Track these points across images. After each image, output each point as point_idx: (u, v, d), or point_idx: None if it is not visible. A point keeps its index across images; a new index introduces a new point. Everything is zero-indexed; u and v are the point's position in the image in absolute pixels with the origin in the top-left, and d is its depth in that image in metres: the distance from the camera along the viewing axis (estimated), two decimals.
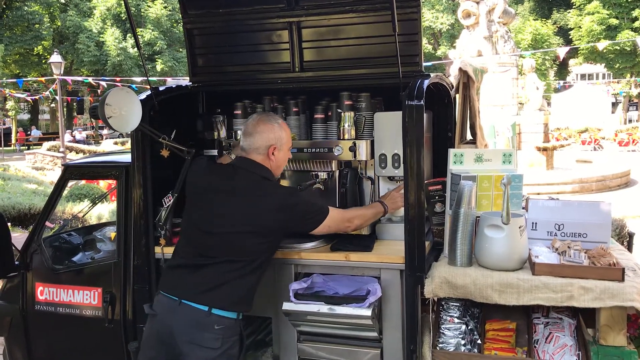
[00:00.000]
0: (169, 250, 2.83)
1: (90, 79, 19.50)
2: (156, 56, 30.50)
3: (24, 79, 23.03)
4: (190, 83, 3.21)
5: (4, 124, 46.36)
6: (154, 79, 19.33)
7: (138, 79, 19.32)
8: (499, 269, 2.39)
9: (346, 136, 2.86)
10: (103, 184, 8.24)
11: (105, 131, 42.59)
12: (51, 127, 43.41)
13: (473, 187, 2.43)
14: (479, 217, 2.47)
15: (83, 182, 7.06)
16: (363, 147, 2.82)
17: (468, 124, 3.31)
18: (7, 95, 28.23)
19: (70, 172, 3.19)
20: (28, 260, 3.22)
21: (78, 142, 28.09)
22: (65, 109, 36.85)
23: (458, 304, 2.52)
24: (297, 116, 3.12)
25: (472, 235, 2.47)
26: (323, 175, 2.96)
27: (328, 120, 3.00)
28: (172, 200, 2.84)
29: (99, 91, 28.93)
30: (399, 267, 2.53)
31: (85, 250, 3.38)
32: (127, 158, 3.09)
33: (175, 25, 32.27)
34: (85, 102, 37.54)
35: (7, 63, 28.19)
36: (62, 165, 3.27)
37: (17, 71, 30.09)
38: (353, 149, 2.80)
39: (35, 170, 17.74)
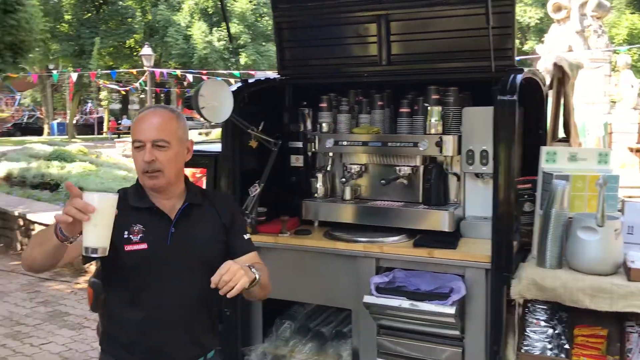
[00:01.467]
0: (254, 238, 2.90)
1: (177, 72, 20.21)
2: (240, 50, 31.21)
3: (117, 71, 24.21)
4: (278, 76, 3.27)
5: (97, 113, 48.93)
6: (237, 72, 19.77)
7: (222, 72, 19.83)
8: (591, 272, 2.29)
9: (432, 131, 2.82)
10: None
11: (192, 122, 44.12)
12: None
13: (566, 187, 2.34)
14: (571, 218, 2.38)
15: None
16: (450, 142, 2.77)
17: (561, 121, 3.18)
18: (101, 85, 29.79)
19: None
20: None
21: None
22: (153, 100, 38.56)
23: (545, 307, 2.43)
24: (382, 110, 3.11)
25: (562, 237, 2.37)
26: (407, 170, 2.94)
27: (414, 115, 2.98)
28: (258, 190, 2.90)
29: (185, 83, 30.01)
30: (484, 266, 2.47)
31: None
32: (216, 148, 3.19)
33: (259, 19, 32.90)
34: (172, 93, 38.99)
35: (102, 55, 29.75)
36: None
37: (111, 63, 31.67)
38: (440, 144, 2.76)
39: (125, 157, 18.58)
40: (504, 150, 2.38)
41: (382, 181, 2.89)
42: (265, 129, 2.95)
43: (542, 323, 2.41)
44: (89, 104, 47.54)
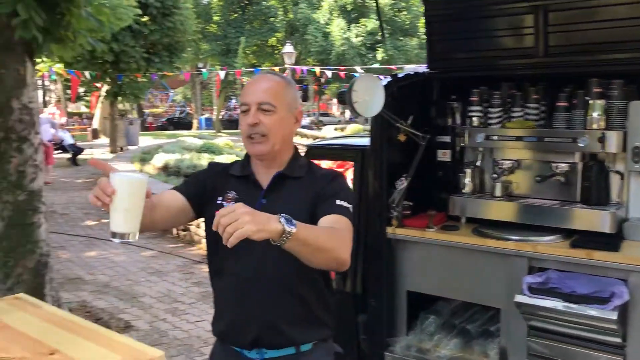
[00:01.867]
0: (400, 232, 2.94)
1: (317, 69, 20.75)
2: (377, 45, 31.34)
3: (260, 68, 25.38)
4: (427, 70, 3.26)
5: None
6: (375, 66, 19.94)
7: (359, 68, 20.05)
8: None
9: (594, 126, 2.67)
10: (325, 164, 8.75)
11: (327, 117, 45.09)
12: None
13: None
14: None
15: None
16: (614, 138, 2.61)
17: None
18: (245, 83, 31.31)
19: (313, 152, 3.46)
20: None
21: (302, 127, 30.10)
22: None
23: None
24: (537, 104, 2.99)
25: None
26: (564, 166, 2.80)
27: (572, 109, 2.83)
28: (405, 184, 2.92)
29: (322, 80, 30.73)
30: None
31: None
32: (361, 142, 3.26)
33: (397, 13, 32.78)
34: (309, 90, 40.07)
35: (246, 54, 31.33)
36: (306, 146, 3.55)
37: (254, 61, 33.22)
38: (602, 140, 2.60)
39: None
40: None
41: (537, 178, 2.78)
42: (413, 123, 2.97)
43: None
44: (233, 101, 50.17)
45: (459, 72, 3.22)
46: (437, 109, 3.27)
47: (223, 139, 19.54)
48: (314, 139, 25.43)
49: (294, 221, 1.48)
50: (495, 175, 2.99)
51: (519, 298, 2.49)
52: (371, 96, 2.62)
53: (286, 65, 19.42)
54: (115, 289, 5.83)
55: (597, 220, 2.64)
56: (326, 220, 1.69)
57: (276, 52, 32.08)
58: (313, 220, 1.70)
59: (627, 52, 2.67)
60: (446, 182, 3.23)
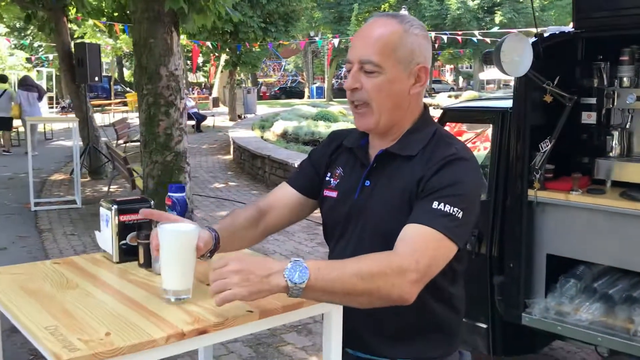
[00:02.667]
0: (541, 194, 2.92)
1: (432, 34, 20.31)
2: (495, 8, 30.08)
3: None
4: (573, 29, 3.16)
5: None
6: (495, 29, 19.18)
7: (477, 33, 19.40)
8: None
9: None
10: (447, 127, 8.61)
11: (439, 85, 44.10)
12: None
13: None
14: None
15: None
16: None
17: None
18: None
19: (449, 115, 3.48)
20: None
21: None
22: None
23: None
24: None
25: None
26: None
27: None
28: (549, 146, 2.89)
29: (435, 45, 30.04)
30: None
31: None
32: (500, 104, 3.24)
33: None
34: None
35: (359, 21, 31.28)
36: (442, 108, 3.58)
37: None
38: None
39: None
40: None
41: None
42: (558, 84, 2.91)
43: None
44: (344, 69, 50.13)
45: (606, 31, 3.09)
46: (582, 70, 3.16)
47: (337, 107, 19.76)
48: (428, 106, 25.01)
49: (308, 268, 1.18)
50: None
51: None
52: (519, 56, 2.61)
53: None
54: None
55: None
56: (403, 235, 1.32)
57: None
58: (408, 214, 1.39)
59: None
60: (590, 146, 3.14)
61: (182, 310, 1.24)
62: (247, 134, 13.03)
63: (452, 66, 51.82)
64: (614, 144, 2.99)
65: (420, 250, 1.28)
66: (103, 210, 1.60)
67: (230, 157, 12.68)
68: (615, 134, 2.99)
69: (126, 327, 1.16)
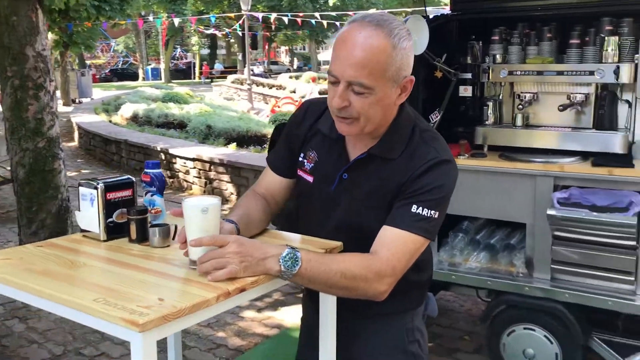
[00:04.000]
0: None
1: (273, 15, 20.60)
2: None
3: (216, 15, 24.94)
4: (450, 12, 3.54)
5: (185, 59, 50.32)
6: (333, 13, 19.95)
7: (317, 14, 20.01)
8: None
9: (609, 60, 3.03)
10: None
11: (276, 66, 44.71)
12: (226, 62, 46.52)
13: None
14: None
15: None
16: (626, 70, 2.98)
17: None
18: (195, 30, 30.72)
19: None
20: None
21: (257, 75, 29.90)
22: (240, 45, 39.43)
23: None
24: (549, 42, 3.33)
25: None
26: (581, 97, 3.17)
27: (584, 45, 3.18)
28: (438, 117, 3.24)
29: (272, 27, 30.41)
30: None
31: None
32: None
33: None
34: (259, 37, 39.57)
35: (195, 0, 30.64)
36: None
37: (202, 8, 32.48)
38: (618, 72, 2.97)
39: (226, 100, 19.43)
40: None
41: (560, 107, 3.14)
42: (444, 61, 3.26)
43: None
44: (178, 50, 48.89)
45: (478, 14, 3.51)
46: (458, 48, 3.56)
47: (182, 89, 19.30)
48: (270, 88, 25.39)
49: (301, 256, 1.32)
50: (520, 106, 3.33)
51: (551, 211, 2.88)
52: (418, 36, 2.89)
53: (243, 12, 19.19)
54: None
55: (611, 142, 3.04)
56: (382, 236, 1.43)
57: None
58: (386, 215, 1.48)
59: None
60: (467, 116, 3.56)
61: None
62: (92, 119, 12.33)
63: (287, 48, 52.75)
64: (489, 113, 3.42)
65: (398, 255, 1.41)
66: (85, 190, 1.58)
67: (75, 143, 11.92)
68: (490, 104, 3.43)
69: (172, 293, 1.22)
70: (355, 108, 1.40)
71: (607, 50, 3.04)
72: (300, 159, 1.63)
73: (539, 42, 3.35)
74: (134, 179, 1.64)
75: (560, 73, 3.15)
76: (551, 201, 2.93)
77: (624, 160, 2.95)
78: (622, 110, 3.16)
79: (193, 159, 7.64)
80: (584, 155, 3.10)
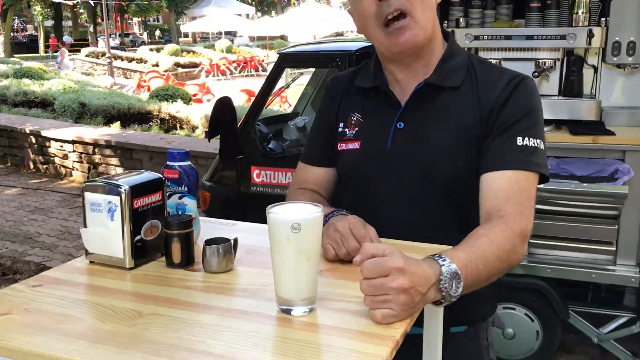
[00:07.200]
0: None
1: None
2: None
3: None
4: None
5: (26, 31, 45.78)
6: None
7: None
8: None
9: (580, 23, 2.90)
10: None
11: (130, 38, 42.07)
12: (74, 35, 42.89)
13: None
14: None
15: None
16: (598, 34, 2.87)
17: None
18: None
19: (287, 59, 3.28)
20: (242, 144, 3.38)
21: (113, 48, 27.80)
22: (90, 16, 36.47)
23: None
24: (508, 5, 3.15)
25: None
26: (550, 62, 3.03)
27: (546, 9, 3.04)
28: None
29: None
30: None
31: (290, 136, 3.53)
32: (344, 46, 3.18)
33: None
34: (110, 6, 36.85)
35: None
36: (278, 52, 3.34)
37: None
38: (591, 35, 2.85)
39: (85, 75, 17.77)
40: None
41: (534, 73, 2.98)
42: None
43: None
44: (15, 20, 44.38)
45: None
46: None
47: (31, 64, 17.30)
48: (130, 61, 23.73)
49: (460, 273, 0.98)
50: None
51: None
52: None
53: None
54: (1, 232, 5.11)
55: (583, 109, 2.94)
56: (494, 187, 1.17)
57: None
58: (470, 156, 1.22)
59: None
60: None
61: (335, 312, 0.91)
62: None
63: (139, 19, 50.00)
64: None
65: (525, 203, 1.17)
66: (98, 197, 1.06)
67: None
68: None
69: (323, 351, 0.80)
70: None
71: (577, 13, 2.91)
72: (340, 129, 1.35)
73: (496, 5, 3.16)
74: (162, 176, 1.15)
75: (530, 37, 2.97)
76: None
77: (598, 127, 2.86)
78: (587, 75, 3.07)
79: (72, 142, 6.72)
80: (555, 124, 2.98)
